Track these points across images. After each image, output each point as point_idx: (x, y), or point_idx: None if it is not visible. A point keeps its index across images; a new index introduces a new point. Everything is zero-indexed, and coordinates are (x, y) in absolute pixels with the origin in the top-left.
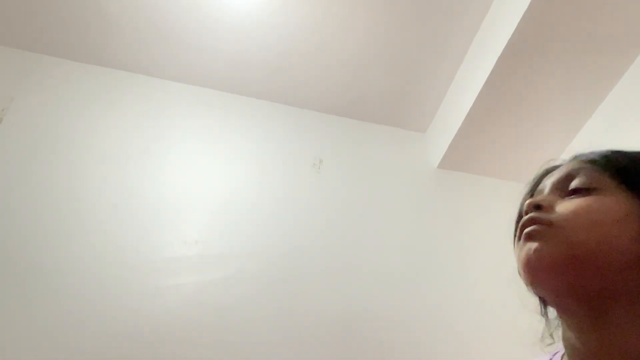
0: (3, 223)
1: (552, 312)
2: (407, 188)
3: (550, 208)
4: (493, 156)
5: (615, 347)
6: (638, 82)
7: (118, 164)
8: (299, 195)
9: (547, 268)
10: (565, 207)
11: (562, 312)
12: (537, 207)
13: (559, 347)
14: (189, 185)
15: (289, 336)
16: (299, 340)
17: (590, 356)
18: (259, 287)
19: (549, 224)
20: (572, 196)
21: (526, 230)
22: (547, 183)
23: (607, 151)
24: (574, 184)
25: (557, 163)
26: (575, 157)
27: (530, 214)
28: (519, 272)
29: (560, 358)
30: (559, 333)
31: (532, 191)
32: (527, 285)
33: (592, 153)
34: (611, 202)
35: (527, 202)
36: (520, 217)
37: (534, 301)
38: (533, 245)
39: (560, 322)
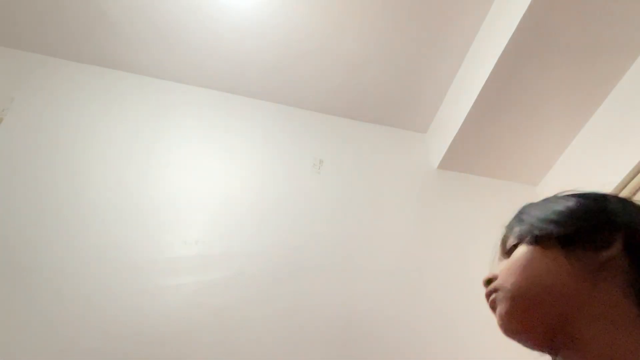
0: (3, 223)
1: None
2: (407, 188)
3: (497, 276)
4: (493, 157)
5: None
6: (638, 83)
7: (118, 164)
8: (299, 196)
9: (509, 326)
10: (502, 268)
11: (545, 352)
12: (488, 281)
13: None
14: (189, 185)
15: (289, 336)
16: (299, 340)
17: None
18: (259, 287)
19: (496, 290)
20: (507, 257)
21: (489, 304)
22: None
23: (523, 210)
24: (507, 245)
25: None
26: (509, 223)
27: (486, 290)
28: None
29: None
30: None
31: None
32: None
33: (515, 216)
34: (537, 251)
35: (482, 280)
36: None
37: None
38: (495, 313)
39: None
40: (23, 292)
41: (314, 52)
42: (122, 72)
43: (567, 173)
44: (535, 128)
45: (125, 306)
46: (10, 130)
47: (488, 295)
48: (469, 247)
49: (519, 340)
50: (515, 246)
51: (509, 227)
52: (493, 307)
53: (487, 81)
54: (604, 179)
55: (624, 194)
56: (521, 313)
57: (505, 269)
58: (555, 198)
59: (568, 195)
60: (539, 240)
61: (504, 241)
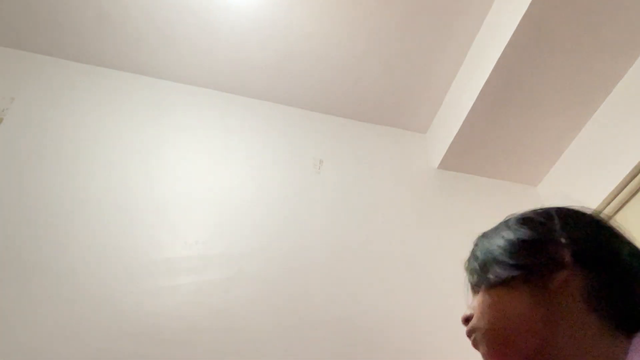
0: (3, 223)
1: None
2: (407, 189)
3: (472, 315)
4: (493, 157)
5: None
6: (638, 83)
7: (118, 164)
8: (300, 196)
9: None
10: (475, 306)
11: None
12: (467, 319)
13: None
14: (189, 185)
15: (289, 336)
16: (299, 340)
17: None
18: (259, 287)
19: (473, 330)
20: (477, 292)
21: (471, 343)
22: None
23: (477, 245)
24: (471, 282)
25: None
26: (468, 260)
27: (466, 329)
28: None
29: None
30: None
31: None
32: None
33: (471, 252)
34: (498, 291)
35: (461, 318)
36: None
37: None
38: (478, 352)
39: None
40: (23, 292)
41: (314, 52)
42: (122, 72)
43: (567, 173)
44: (535, 128)
45: (125, 306)
46: (10, 130)
47: (468, 334)
48: (469, 247)
49: None
50: (477, 286)
51: (469, 267)
52: (475, 346)
53: (487, 81)
54: (603, 179)
55: (623, 194)
56: (499, 353)
57: (477, 310)
58: (504, 227)
59: (515, 223)
60: (495, 284)
61: (468, 280)
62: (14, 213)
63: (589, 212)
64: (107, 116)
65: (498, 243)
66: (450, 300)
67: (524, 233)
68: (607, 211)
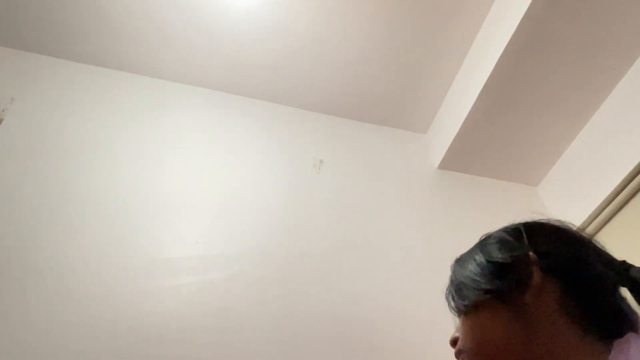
0: (3, 223)
1: None
2: (407, 189)
3: (458, 337)
4: (493, 157)
5: None
6: (638, 83)
7: (118, 164)
8: (300, 196)
9: None
10: (460, 329)
11: None
12: (455, 340)
13: None
14: (189, 185)
15: (289, 336)
16: (299, 340)
17: None
18: (260, 287)
19: (460, 352)
20: (461, 315)
21: None
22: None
23: (453, 269)
24: (451, 308)
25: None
26: (447, 286)
27: (454, 351)
28: None
29: None
30: None
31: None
32: None
33: (450, 277)
34: (477, 314)
35: (449, 340)
36: None
37: None
38: None
39: None
40: (23, 292)
41: (314, 52)
42: (122, 72)
43: (567, 173)
44: (535, 128)
45: (125, 306)
46: (10, 130)
47: (456, 356)
48: (473, 243)
49: None
50: (460, 310)
51: (447, 294)
52: None
53: (487, 81)
54: (603, 179)
55: (624, 194)
56: None
57: (462, 333)
58: (477, 249)
59: (486, 244)
60: (470, 309)
61: (449, 306)
62: (13, 213)
63: (558, 224)
64: (107, 116)
65: (470, 268)
66: None
67: (494, 254)
68: (608, 211)
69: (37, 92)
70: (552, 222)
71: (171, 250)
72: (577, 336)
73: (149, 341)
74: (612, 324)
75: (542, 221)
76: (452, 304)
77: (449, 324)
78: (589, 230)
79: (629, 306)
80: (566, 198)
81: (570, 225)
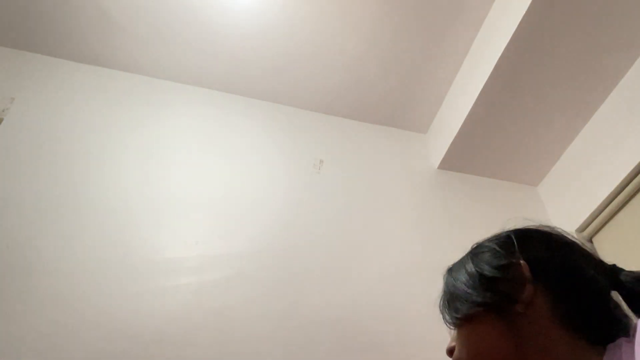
0: (4, 223)
1: None
2: (407, 189)
3: (454, 347)
4: (493, 157)
5: None
6: (638, 83)
7: (118, 164)
8: (300, 196)
9: None
10: (455, 339)
11: None
12: (451, 350)
13: None
14: (189, 185)
15: (289, 336)
16: (299, 340)
17: None
18: (259, 287)
19: None
20: (454, 327)
21: None
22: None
23: (445, 281)
24: (445, 320)
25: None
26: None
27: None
28: None
29: None
30: None
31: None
32: None
33: (442, 288)
34: (470, 325)
35: (446, 350)
36: None
37: None
38: None
39: None
40: (22, 292)
41: (314, 52)
42: (122, 72)
43: (567, 173)
44: (535, 128)
45: (125, 306)
46: (10, 130)
47: None
48: (469, 248)
49: None
50: (454, 323)
51: (440, 306)
52: None
53: (487, 81)
54: (603, 179)
55: (624, 194)
56: None
57: (457, 343)
58: (468, 258)
59: (477, 253)
60: (463, 322)
61: (443, 318)
62: (13, 213)
63: (548, 229)
64: (107, 116)
65: (461, 278)
66: None
67: (485, 266)
68: (607, 211)
69: (37, 92)
70: (542, 229)
71: (171, 250)
72: (570, 343)
73: (149, 341)
74: (604, 329)
75: (532, 227)
76: (446, 317)
77: None
78: (589, 230)
79: (620, 310)
80: (566, 198)
81: (560, 231)
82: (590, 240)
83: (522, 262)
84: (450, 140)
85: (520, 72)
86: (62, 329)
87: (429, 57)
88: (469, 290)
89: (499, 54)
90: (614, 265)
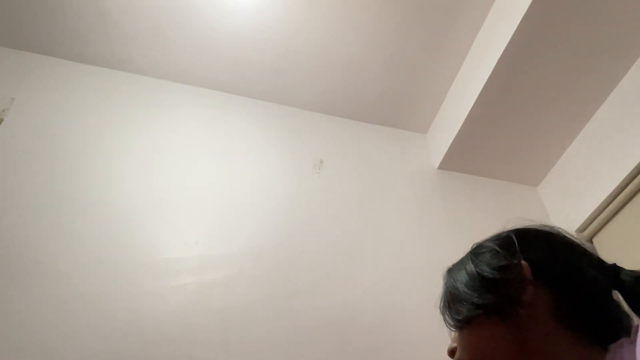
0: (3, 223)
1: None
2: (407, 189)
3: (455, 348)
4: (493, 157)
5: None
6: (638, 83)
7: (119, 164)
8: (300, 196)
9: None
10: (456, 341)
11: None
12: (452, 351)
13: None
14: (188, 185)
15: (289, 336)
16: (299, 340)
17: None
18: (260, 287)
19: None
20: (455, 329)
21: None
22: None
23: (446, 281)
24: (446, 322)
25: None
26: (440, 298)
27: None
28: None
29: None
30: None
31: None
32: None
33: (442, 289)
34: (471, 327)
35: (447, 350)
36: None
37: None
38: None
39: None
40: (22, 292)
41: (314, 52)
42: (122, 72)
43: (567, 173)
44: (536, 128)
45: (125, 306)
46: (11, 131)
47: None
48: (469, 248)
49: None
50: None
51: (440, 308)
52: None
53: (487, 81)
54: (604, 179)
55: (624, 194)
56: None
57: (459, 345)
58: (468, 259)
59: (478, 254)
60: (464, 324)
61: (443, 320)
62: (13, 213)
63: (548, 229)
64: (107, 116)
65: (461, 279)
66: None
67: (486, 268)
68: (608, 211)
69: (37, 92)
70: (543, 228)
71: (171, 250)
72: (572, 343)
73: (149, 341)
74: (605, 329)
75: (532, 227)
76: (447, 319)
77: None
78: (589, 230)
79: (621, 310)
80: (566, 198)
81: (560, 230)
82: (590, 241)
83: (523, 262)
84: (450, 140)
85: (520, 73)
86: (62, 329)
87: (429, 57)
88: (470, 292)
89: (499, 54)
90: (615, 265)
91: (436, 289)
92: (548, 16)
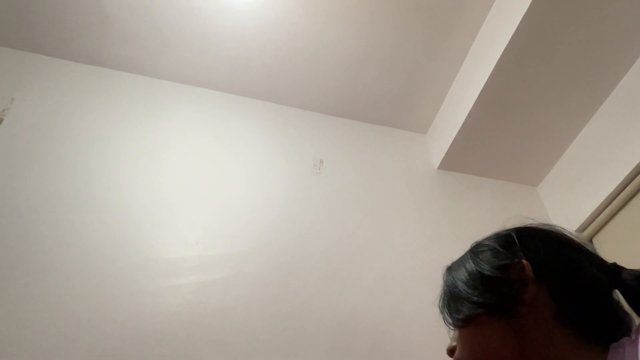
0: (3, 224)
1: None
2: (407, 189)
3: (455, 347)
4: (493, 157)
5: None
6: (638, 83)
7: (118, 165)
8: (300, 196)
9: None
10: (456, 339)
11: None
12: (452, 350)
13: None
14: (189, 186)
15: (289, 337)
16: (299, 340)
17: None
18: (260, 287)
19: None
20: (454, 328)
21: None
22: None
23: (445, 280)
24: (445, 321)
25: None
26: (439, 297)
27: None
28: None
29: None
30: None
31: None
32: None
33: (441, 288)
34: (472, 326)
35: (446, 349)
36: None
37: None
38: None
39: None
40: (22, 292)
41: (314, 53)
42: (122, 73)
43: (567, 173)
44: (536, 128)
45: (126, 306)
46: (11, 131)
47: None
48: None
49: None
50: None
51: (440, 307)
52: None
53: (487, 82)
54: (604, 179)
55: (624, 194)
56: None
57: (458, 344)
58: (468, 257)
59: (478, 252)
60: (464, 323)
61: (443, 319)
62: (14, 213)
63: (548, 228)
64: (107, 116)
65: (461, 278)
66: None
67: (486, 266)
68: (608, 211)
69: (38, 92)
70: (543, 227)
71: (171, 250)
72: (572, 342)
73: (149, 341)
74: (606, 329)
75: (533, 226)
76: (447, 318)
77: None
78: (589, 230)
79: (622, 309)
80: (566, 198)
81: (560, 229)
82: (591, 241)
83: (524, 261)
84: (450, 140)
85: (520, 73)
86: (62, 329)
87: (429, 57)
88: (470, 291)
89: (499, 54)
90: (615, 264)
91: (436, 289)
92: (548, 16)
